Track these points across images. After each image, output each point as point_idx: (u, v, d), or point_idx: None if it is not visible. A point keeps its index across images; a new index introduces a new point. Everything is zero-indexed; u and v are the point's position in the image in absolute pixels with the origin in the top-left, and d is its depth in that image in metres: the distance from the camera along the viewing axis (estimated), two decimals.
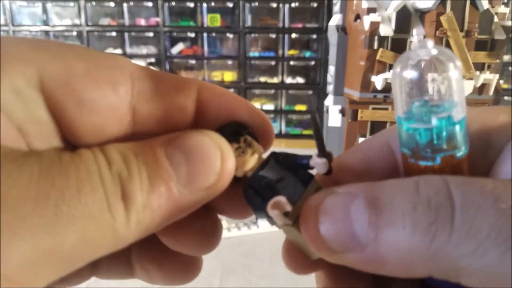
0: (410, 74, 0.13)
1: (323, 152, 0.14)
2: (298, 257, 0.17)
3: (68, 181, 0.11)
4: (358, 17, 1.10)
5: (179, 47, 2.00)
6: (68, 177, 0.11)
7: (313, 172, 0.15)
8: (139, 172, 0.12)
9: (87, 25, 1.98)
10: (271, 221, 0.15)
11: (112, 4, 1.95)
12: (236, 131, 0.15)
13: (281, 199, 0.14)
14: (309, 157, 0.15)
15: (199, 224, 0.17)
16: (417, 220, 0.11)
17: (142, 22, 1.97)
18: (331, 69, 1.24)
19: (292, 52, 1.94)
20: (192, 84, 0.16)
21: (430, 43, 0.13)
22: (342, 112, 1.21)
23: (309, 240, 0.13)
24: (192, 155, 0.13)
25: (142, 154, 0.13)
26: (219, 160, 0.13)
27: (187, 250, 0.17)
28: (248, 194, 0.15)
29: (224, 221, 1.08)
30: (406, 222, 0.11)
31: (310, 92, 1.98)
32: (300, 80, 1.97)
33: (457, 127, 0.13)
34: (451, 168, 0.14)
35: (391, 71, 0.14)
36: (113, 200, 0.11)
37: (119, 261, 0.18)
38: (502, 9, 1.01)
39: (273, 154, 0.16)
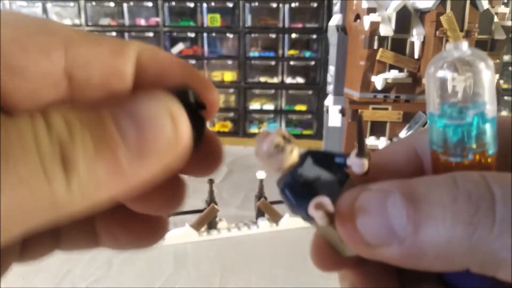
0: (443, 73, 0.14)
1: (362, 152, 0.14)
2: (328, 254, 0.17)
3: None
4: (358, 17, 1.10)
5: (179, 47, 2.00)
6: None
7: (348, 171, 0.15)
8: (82, 137, 0.11)
9: (87, 25, 1.98)
10: (309, 220, 0.15)
11: (112, 4, 1.95)
12: (181, 95, 0.14)
13: (325, 200, 0.14)
14: (345, 155, 0.15)
15: (162, 185, 0.15)
16: (458, 212, 0.11)
17: (142, 22, 1.97)
18: (331, 69, 1.24)
19: (292, 52, 1.94)
20: (131, 47, 0.15)
21: (464, 44, 0.13)
22: (342, 112, 1.21)
23: (346, 236, 0.13)
24: (141, 121, 0.12)
25: (86, 118, 0.12)
26: (169, 125, 0.12)
27: (152, 212, 0.17)
28: (285, 193, 0.15)
29: (224, 221, 1.08)
30: (447, 214, 0.11)
31: (310, 92, 1.98)
32: (300, 80, 1.97)
33: (489, 125, 0.14)
34: (482, 165, 0.14)
35: (426, 71, 0.14)
36: (50, 164, 0.11)
37: (82, 230, 0.17)
38: (502, 9, 1.01)
39: (310, 152, 0.15)
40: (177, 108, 0.13)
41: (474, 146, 0.14)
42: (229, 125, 2.03)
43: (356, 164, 0.15)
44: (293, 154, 0.15)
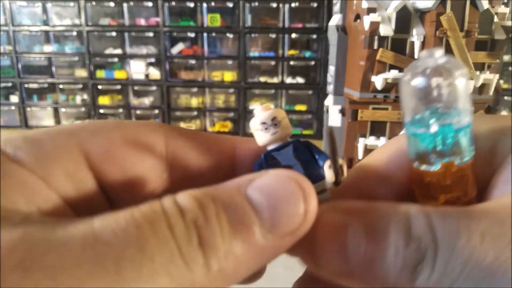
0: (417, 82, 0.13)
1: (334, 165, 0.14)
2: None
3: (128, 240, 0.10)
4: (358, 17, 1.10)
5: (179, 47, 2.00)
6: (127, 236, 0.10)
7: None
8: (217, 218, 0.11)
9: (87, 25, 1.98)
10: None
11: (112, 4, 1.95)
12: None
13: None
14: (326, 159, 0.15)
15: None
16: (407, 259, 0.12)
17: (142, 22, 1.97)
18: (331, 69, 1.24)
19: (292, 52, 1.94)
20: (227, 140, 0.16)
21: (438, 52, 0.13)
22: (342, 112, 1.21)
23: (301, 252, 0.14)
24: (274, 197, 0.12)
25: (219, 198, 0.12)
26: (302, 201, 0.12)
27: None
28: (256, 165, 0.15)
29: None
30: (398, 258, 0.12)
31: (310, 92, 1.98)
32: (300, 80, 1.97)
33: (460, 134, 0.14)
34: (452, 174, 0.14)
35: (401, 79, 0.14)
36: (187, 249, 0.11)
37: None
38: (502, 9, 1.01)
39: (296, 141, 0.15)
40: (309, 187, 0.13)
41: (447, 153, 0.14)
42: (229, 125, 2.03)
43: (327, 174, 0.15)
44: (282, 135, 0.15)
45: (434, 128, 0.14)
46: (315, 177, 0.15)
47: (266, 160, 0.15)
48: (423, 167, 0.14)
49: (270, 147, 0.15)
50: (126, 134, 0.14)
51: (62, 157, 0.13)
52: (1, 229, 0.09)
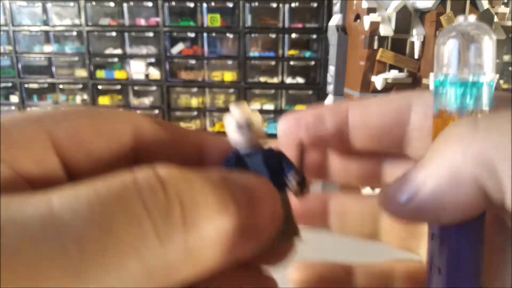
0: (449, 42, 0.15)
1: (296, 175, 0.15)
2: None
3: (91, 219, 0.09)
4: (358, 17, 1.10)
5: (179, 47, 2.00)
6: (90, 214, 0.09)
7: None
8: (204, 194, 0.11)
9: (87, 25, 1.98)
10: None
11: (112, 4, 1.95)
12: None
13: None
14: (292, 170, 0.15)
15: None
16: None
17: (142, 22, 1.97)
18: (331, 69, 1.24)
19: (292, 52, 1.94)
20: (195, 135, 0.16)
21: (471, 17, 0.15)
22: None
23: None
24: (253, 197, 0.12)
25: (206, 177, 0.11)
26: (272, 209, 0.13)
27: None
28: (224, 161, 0.15)
29: None
30: None
31: (310, 92, 1.98)
32: (300, 80, 1.97)
33: (484, 90, 0.15)
34: None
35: (437, 39, 0.16)
36: (164, 225, 0.10)
37: None
38: (502, 9, 1.01)
39: (268, 149, 0.15)
40: (277, 194, 0.14)
41: (471, 106, 0.15)
42: None
43: (289, 185, 0.15)
44: (256, 140, 0.15)
45: (468, 80, 0.15)
46: (279, 186, 0.15)
47: (236, 161, 0.15)
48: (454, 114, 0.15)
49: (242, 151, 0.15)
50: (94, 122, 0.14)
51: (29, 144, 0.12)
52: None
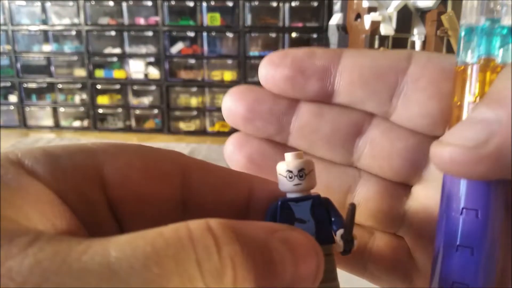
0: None
1: (346, 236, 0.14)
2: None
3: (147, 278, 0.09)
4: (358, 16, 1.10)
5: (178, 46, 1.99)
6: (146, 273, 0.09)
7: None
8: (253, 259, 0.10)
9: (86, 24, 1.97)
10: None
11: (111, 3, 1.95)
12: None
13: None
14: (340, 225, 0.15)
15: None
16: None
17: (141, 21, 1.97)
18: None
19: None
20: (243, 181, 0.16)
21: None
22: None
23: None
24: (300, 258, 0.12)
25: (255, 237, 0.11)
26: (316, 266, 0.12)
27: None
28: (269, 211, 0.15)
29: None
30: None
31: None
32: None
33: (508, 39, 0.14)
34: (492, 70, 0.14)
35: None
36: None
37: None
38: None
39: (316, 197, 0.15)
40: (320, 250, 0.13)
41: (500, 57, 0.14)
42: (229, 125, 2.02)
43: (337, 242, 0.15)
44: (305, 188, 0.15)
45: (482, 22, 0.14)
46: (325, 238, 0.15)
47: (282, 207, 0.15)
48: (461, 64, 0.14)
49: (289, 195, 0.15)
50: (145, 162, 0.14)
51: (77, 176, 0.13)
52: (11, 257, 0.09)
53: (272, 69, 0.17)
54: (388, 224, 0.17)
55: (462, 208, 0.13)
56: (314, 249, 0.12)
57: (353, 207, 0.14)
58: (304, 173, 0.15)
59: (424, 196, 0.16)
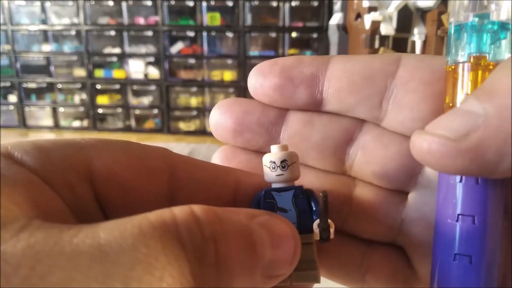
0: None
1: (321, 225, 0.15)
2: None
3: (136, 258, 0.09)
4: (359, 16, 1.09)
5: (178, 46, 1.99)
6: (135, 253, 0.09)
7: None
8: (235, 239, 0.11)
9: (86, 24, 1.97)
10: None
11: (111, 3, 1.94)
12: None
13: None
14: (317, 217, 0.15)
15: None
16: None
17: (141, 21, 1.96)
18: None
19: (292, 51, 1.93)
20: (230, 174, 0.16)
21: None
22: None
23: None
24: (278, 241, 0.12)
25: (237, 219, 0.12)
26: (293, 249, 0.13)
27: None
28: (255, 199, 0.16)
29: None
30: None
31: None
32: None
33: (499, 33, 0.13)
34: (483, 68, 0.13)
35: None
36: (201, 267, 0.10)
37: None
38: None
39: (299, 188, 0.15)
40: (298, 235, 0.13)
41: (491, 54, 0.13)
42: None
43: (314, 231, 0.15)
44: (287, 179, 0.15)
45: (470, 19, 0.13)
46: (306, 228, 0.15)
47: (265, 197, 0.15)
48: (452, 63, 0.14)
49: (273, 185, 0.16)
50: (132, 158, 0.14)
51: (66, 168, 0.13)
52: (3, 241, 0.09)
53: (261, 78, 0.16)
54: (385, 233, 0.17)
55: (458, 215, 0.13)
56: (292, 233, 0.13)
57: (324, 195, 0.14)
58: (286, 164, 0.15)
59: (421, 203, 0.16)
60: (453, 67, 0.14)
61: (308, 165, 0.17)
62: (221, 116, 0.17)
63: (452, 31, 0.14)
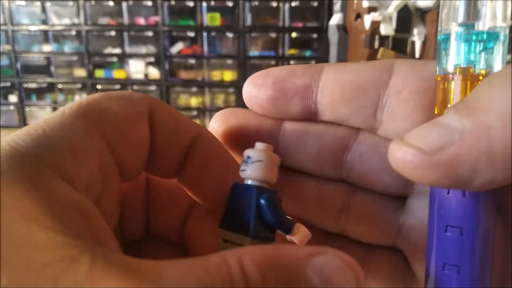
0: None
1: (285, 230, 0.15)
2: None
3: None
4: (358, 16, 1.10)
5: (178, 46, 1.99)
6: None
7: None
8: None
9: (86, 24, 1.97)
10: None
11: (111, 3, 1.94)
12: None
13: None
14: (278, 226, 0.15)
15: None
16: None
17: (141, 21, 1.96)
18: None
19: (292, 51, 1.93)
20: (194, 127, 0.16)
21: None
22: None
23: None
24: (328, 278, 0.12)
25: (282, 271, 0.11)
26: (354, 281, 0.12)
27: None
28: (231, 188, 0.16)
29: None
30: None
31: None
32: None
33: (497, 44, 0.13)
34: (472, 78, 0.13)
35: None
36: None
37: None
38: None
39: (264, 189, 0.15)
40: (360, 271, 0.12)
41: (480, 64, 0.13)
42: None
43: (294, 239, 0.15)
44: (251, 177, 0.15)
45: (455, 29, 0.13)
46: (263, 237, 0.15)
47: (233, 192, 0.15)
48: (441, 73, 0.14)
49: (245, 181, 0.15)
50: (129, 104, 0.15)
51: (91, 151, 0.13)
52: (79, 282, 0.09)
53: (254, 90, 0.16)
54: (383, 237, 0.17)
55: (446, 226, 0.13)
56: (352, 268, 0.12)
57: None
58: (250, 160, 0.15)
59: (419, 209, 0.16)
60: (441, 77, 0.14)
61: (307, 173, 0.17)
62: (218, 128, 0.17)
63: (440, 41, 0.14)
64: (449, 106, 0.13)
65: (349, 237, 0.17)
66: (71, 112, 0.14)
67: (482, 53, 0.13)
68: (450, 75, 0.13)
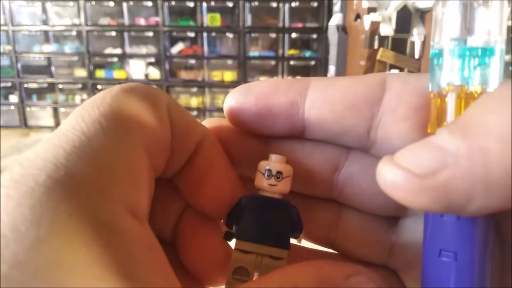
0: (451, 6, 0.12)
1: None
2: None
3: None
4: (358, 16, 1.10)
5: (178, 46, 1.99)
6: None
7: None
8: None
9: (87, 25, 1.97)
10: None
11: (111, 3, 1.95)
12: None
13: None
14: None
15: None
16: None
17: (141, 21, 1.97)
18: (332, 68, 1.23)
19: (292, 51, 1.93)
20: (200, 128, 0.16)
21: None
22: None
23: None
24: None
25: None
26: None
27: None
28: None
29: None
30: None
31: None
32: None
33: (494, 59, 0.12)
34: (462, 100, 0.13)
35: (434, 5, 0.13)
36: None
37: None
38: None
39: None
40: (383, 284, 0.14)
41: (474, 80, 0.12)
42: None
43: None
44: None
45: (449, 45, 0.12)
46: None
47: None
48: (435, 90, 0.13)
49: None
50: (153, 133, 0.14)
51: (138, 172, 0.12)
52: None
53: (237, 108, 0.15)
54: (374, 257, 0.16)
55: (440, 250, 0.12)
56: None
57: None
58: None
59: (412, 230, 0.16)
60: (434, 94, 0.13)
61: (296, 191, 0.17)
62: None
63: (433, 57, 0.13)
64: (444, 124, 0.13)
65: (341, 254, 0.17)
66: (109, 124, 0.12)
67: (477, 69, 0.12)
68: (443, 92, 0.13)
